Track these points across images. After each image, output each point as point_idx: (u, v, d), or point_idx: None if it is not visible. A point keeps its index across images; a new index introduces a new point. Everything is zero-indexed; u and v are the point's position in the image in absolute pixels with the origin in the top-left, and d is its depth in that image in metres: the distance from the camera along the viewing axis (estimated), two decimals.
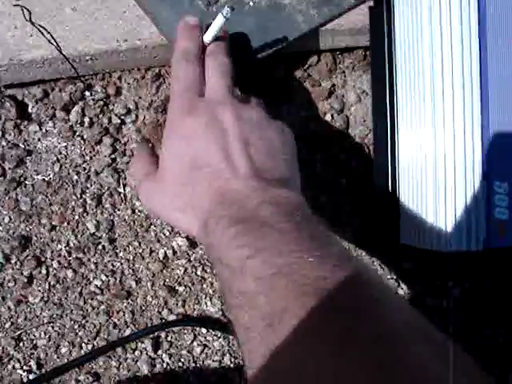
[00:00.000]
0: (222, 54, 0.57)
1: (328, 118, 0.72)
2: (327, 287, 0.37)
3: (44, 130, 0.69)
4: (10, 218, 0.66)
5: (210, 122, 0.50)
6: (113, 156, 0.68)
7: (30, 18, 0.66)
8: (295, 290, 0.38)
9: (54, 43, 0.65)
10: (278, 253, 0.40)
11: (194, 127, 0.50)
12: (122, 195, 0.67)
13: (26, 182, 0.67)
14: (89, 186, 0.67)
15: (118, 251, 0.66)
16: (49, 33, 0.66)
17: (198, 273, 0.66)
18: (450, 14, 0.61)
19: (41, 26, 0.66)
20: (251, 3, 0.67)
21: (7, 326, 0.66)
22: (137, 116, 0.69)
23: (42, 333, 0.67)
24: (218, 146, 0.48)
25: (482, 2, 0.61)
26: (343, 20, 0.69)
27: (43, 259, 0.66)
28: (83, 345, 0.67)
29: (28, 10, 0.67)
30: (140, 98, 0.70)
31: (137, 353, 0.67)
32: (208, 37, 0.56)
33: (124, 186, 0.67)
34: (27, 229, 0.66)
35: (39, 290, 0.66)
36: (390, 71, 0.67)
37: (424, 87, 0.61)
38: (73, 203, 0.67)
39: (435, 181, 0.59)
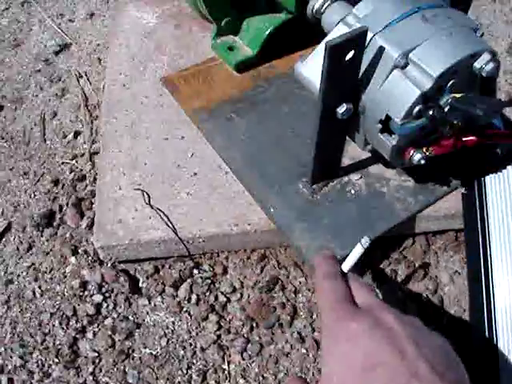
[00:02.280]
0: (359, 277, 0.59)
1: (423, 298, 0.74)
2: None
3: (153, 305, 0.73)
4: None
5: (374, 324, 0.50)
6: (218, 333, 0.71)
7: (150, 202, 0.73)
8: None
9: (171, 226, 0.71)
10: None
11: (359, 329, 0.50)
12: (226, 372, 0.69)
13: (134, 355, 0.70)
14: (194, 361, 0.70)
15: None
16: (166, 215, 0.72)
17: None
18: None
19: (159, 209, 0.72)
20: (353, 191, 0.72)
21: None
22: (241, 295, 0.73)
23: None
24: (390, 345, 0.48)
25: None
26: (437, 206, 0.73)
27: None
28: None
29: (148, 194, 0.73)
30: (245, 277, 0.74)
31: None
32: (347, 266, 0.59)
33: (228, 362, 0.69)
34: None
35: None
36: (485, 252, 0.70)
37: None
38: (179, 378, 0.69)
39: None
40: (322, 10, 0.75)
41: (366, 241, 0.55)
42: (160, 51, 0.90)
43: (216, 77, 0.84)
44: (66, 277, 0.75)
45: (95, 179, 0.81)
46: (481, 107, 0.58)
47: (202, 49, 0.89)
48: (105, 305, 0.73)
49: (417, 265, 0.76)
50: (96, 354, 0.70)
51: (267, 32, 0.82)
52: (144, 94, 0.84)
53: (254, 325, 0.71)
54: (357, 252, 0.56)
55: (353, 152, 0.74)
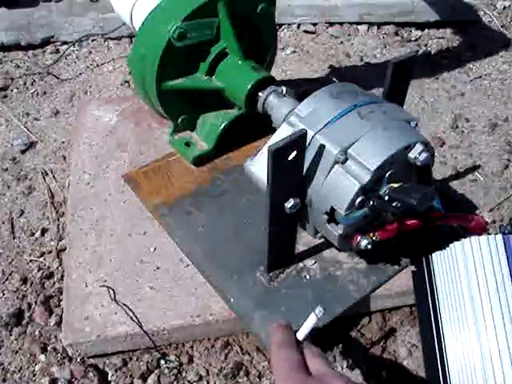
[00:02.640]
0: (314, 346, 0.63)
1: (383, 373, 0.77)
2: None
3: None
4: None
5: None
6: None
7: (115, 298, 0.76)
8: None
9: (136, 320, 0.74)
10: None
11: None
12: None
13: None
14: None
15: None
16: (131, 310, 0.74)
17: None
18: (485, 275, 0.70)
19: (124, 304, 0.75)
20: (308, 276, 0.76)
21: None
22: (208, 382, 0.75)
23: None
24: None
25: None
26: (389, 284, 0.78)
27: None
28: None
29: (113, 290, 0.76)
30: (210, 364, 0.76)
31: None
32: (301, 334, 0.62)
33: None
34: None
35: None
36: (437, 327, 0.74)
37: (470, 341, 0.67)
38: None
39: None
40: (269, 108, 0.81)
41: (319, 310, 0.59)
42: (121, 148, 0.94)
43: (175, 171, 0.89)
44: (35, 375, 0.77)
45: (63, 276, 0.84)
46: (415, 197, 0.63)
47: (162, 144, 0.94)
48: None
49: (375, 341, 0.79)
50: None
51: (221, 127, 0.88)
52: (107, 192, 0.88)
53: None
54: (311, 321, 0.60)
55: (307, 238, 0.78)
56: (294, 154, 0.62)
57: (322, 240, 0.78)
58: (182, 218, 0.82)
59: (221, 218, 0.82)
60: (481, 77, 1.29)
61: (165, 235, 0.82)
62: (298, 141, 0.61)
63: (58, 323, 0.80)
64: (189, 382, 0.75)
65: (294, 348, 0.61)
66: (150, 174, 0.89)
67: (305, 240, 0.79)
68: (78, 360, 0.77)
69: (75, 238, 0.83)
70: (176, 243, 0.81)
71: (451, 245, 0.74)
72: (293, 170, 0.64)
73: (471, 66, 1.32)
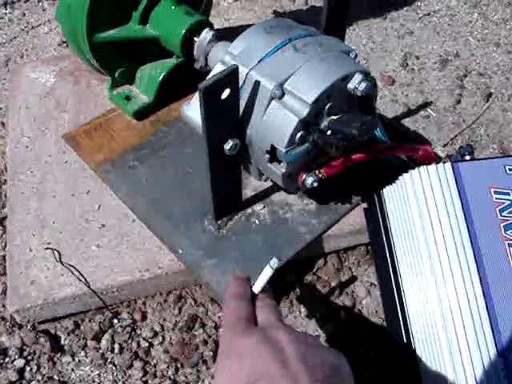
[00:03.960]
0: (269, 298, 0.61)
1: (342, 315, 0.76)
2: None
3: (77, 360, 0.73)
4: None
5: (263, 340, 0.52)
6: (144, 379, 0.71)
7: (60, 259, 0.73)
8: None
9: (83, 280, 0.71)
10: None
11: (247, 345, 0.52)
12: None
13: None
14: None
15: None
16: (78, 270, 0.72)
17: None
18: (436, 204, 0.68)
19: (70, 265, 0.73)
20: (257, 221, 0.74)
21: None
22: (163, 337, 0.73)
23: None
24: (274, 360, 0.50)
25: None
26: (342, 223, 0.76)
27: None
28: None
29: (58, 251, 0.74)
30: (165, 319, 0.74)
31: None
32: (257, 287, 0.60)
33: None
34: None
35: None
36: (392, 261, 0.73)
37: (425, 271, 0.67)
38: None
39: (450, 350, 0.62)
40: (205, 52, 0.78)
41: (274, 262, 0.57)
42: (60, 109, 0.91)
43: (117, 127, 0.86)
44: None
45: (6, 245, 0.81)
46: (355, 126, 0.61)
47: (102, 102, 0.90)
48: (28, 368, 0.72)
49: (332, 283, 0.78)
50: None
51: (160, 78, 0.85)
52: (47, 153, 0.85)
53: (179, 365, 0.72)
54: (266, 273, 0.58)
55: (255, 183, 0.76)
56: (227, 91, 0.59)
57: (271, 184, 0.76)
58: (126, 173, 0.79)
59: (165, 170, 0.79)
60: (429, 14, 1.27)
61: (109, 192, 0.79)
62: (230, 77, 0.58)
63: (4, 292, 0.77)
64: (144, 338, 0.74)
65: (245, 300, 0.59)
66: (91, 131, 0.85)
67: (253, 185, 0.77)
68: (29, 327, 0.75)
69: (16, 203, 0.80)
70: (120, 199, 0.78)
71: (400, 177, 0.73)
72: (228, 110, 0.61)
73: (419, 3, 1.29)
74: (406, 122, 1.03)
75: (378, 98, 0.74)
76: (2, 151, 0.94)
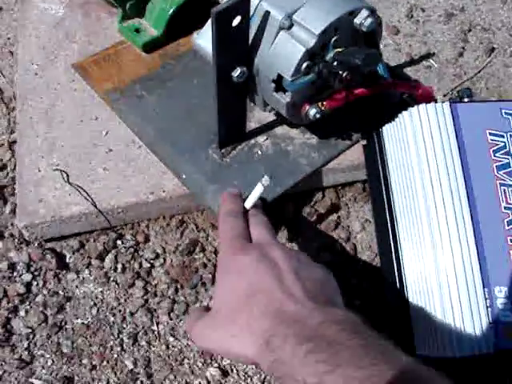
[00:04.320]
0: (261, 214, 0.64)
1: (337, 247, 0.79)
2: None
3: (81, 278, 0.76)
4: (53, 361, 0.71)
5: (260, 258, 0.55)
6: (145, 297, 0.74)
7: (68, 180, 0.76)
8: None
9: (90, 200, 0.74)
10: (355, 367, 0.42)
11: (247, 262, 0.55)
12: (156, 333, 0.73)
13: (67, 326, 0.73)
14: (125, 326, 0.73)
15: None
16: (85, 191, 0.75)
17: None
18: (433, 142, 0.71)
19: (78, 185, 0.75)
20: (259, 152, 0.76)
21: None
22: (164, 259, 0.77)
23: None
24: (270, 275, 0.53)
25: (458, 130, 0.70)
26: (341, 159, 0.79)
27: None
28: None
29: (66, 173, 0.76)
30: (167, 243, 0.77)
31: None
32: (249, 203, 0.64)
33: (157, 323, 0.73)
34: (69, 370, 0.71)
35: None
36: (388, 198, 0.75)
37: (419, 210, 0.69)
38: (111, 343, 0.72)
39: (440, 294, 0.65)
40: None
41: (265, 179, 0.60)
42: (70, 39, 0.92)
43: (125, 59, 0.87)
44: None
45: (16, 167, 0.83)
46: (359, 57, 0.63)
47: (111, 34, 0.92)
48: (34, 283, 0.76)
49: (328, 216, 0.81)
50: (29, 330, 0.73)
51: (170, 11, 0.86)
52: (57, 81, 0.87)
53: (179, 286, 0.75)
54: (258, 190, 0.61)
55: (259, 116, 0.79)
56: (238, 19, 0.61)
57: (274, 117, 0.79)
58: (134, 102, 0.82)
59: (172, 101, 0.81)
60: None
61: (117, 119, 0.81)
62: (241, 4, 0.60)
63: (13, 211, 0.80)
64: (146, 259, 0.77)
65: (239, 217, 0.62)
66: (100, 61, 0.87)
67: (257, 118, 0.79)
68: (36, 244, 0.77)
69: (26, 128, 0.82)
70: (128, 126, 0.80)
71: (400, 115, 0.75)
72: (238, 37, 0.63)
73: None
74: (408, 71, 1.04)
75: (381, 47, 0.76)
76: (11, 79, 0.96)
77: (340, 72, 0.66)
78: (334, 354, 0.44)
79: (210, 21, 0.69)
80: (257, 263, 0.55)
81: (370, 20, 0.65)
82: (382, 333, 0.49)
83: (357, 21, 0.66)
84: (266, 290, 0.53)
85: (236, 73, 0.65)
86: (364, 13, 0.66)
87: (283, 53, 0.65)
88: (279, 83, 0.67)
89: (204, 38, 0.70)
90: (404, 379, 0.42)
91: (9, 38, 1.03)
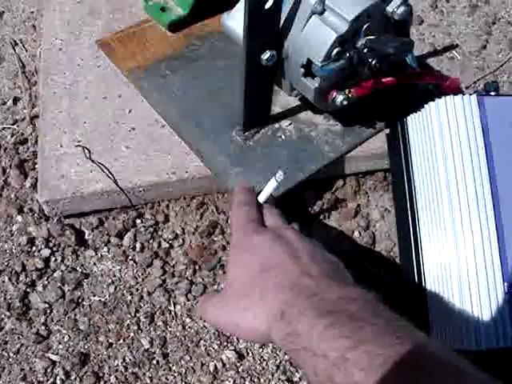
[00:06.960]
0: (274, 207, 0.64)
1: (356, 234, 0.79)
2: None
3: (99, 255, 0.76)
4: (70, 337, 0.71)
5: (276, 237, 0.55)
6: (163, 277, 0.74)
7: (90, 157, 0.76)
8: (406, 379, 0.40)
9: (112, 177, 0.74)
10: (380, 344, 0.41)
11: (261, 241, 0.55)
12: (172, 313, 0.73)
13: (84, 303, 0.73)
14: (142, 305, 0.73)
15: (171, 365, 0.70)
16: (107, 168, 0.75)
17: (247, 383, 0.70)
18: (459, 134, 0.70)
19: (99, 163, 0.75)
20: (283, 136, 0.76)
21: None
22: (183, 240, 0.77)
23: None
24: (286, 252, 0.53)
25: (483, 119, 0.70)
26: (364, 147, 0.78)
27: (101, 375, 0.70)
28: None
29: (88, 149, 0.76)
30: (186, 223, 0.77)
31: None
32: (262, 197, 0.64)
33: (174, 304, 0.73)
34: (86, 346, 0.71)
35: None
36: (410, 188, 0.75)
37: (442, 202, 0.69)
38: (128, 321, 0.72)
39: (460, 285, 0.65)
40: None
41: (279, 175, 0.60)
42: (94, 16, 0.92)
43: (150, 37, 0.87)
44: (13, 235, 0.78)
45: (37, 141, 0.83)
46: (392, 45, 0.63)
47: (136, 11, 0.91)
48: (53, 258, 0.76)
49: (349, 204, 0.81)
50: (47, 305, 0.73)
51: None
52: (80, 57, 0.86)
53: (197, 268, 0.75)
54: (271, 185, 0.61)
55: (283, 100, 0.78)
56: (271, 1, 0.60)
57: (299, 103, 0.78)
58: (158, 81, 0.81)
59: (197, 81, 0.81)
60: None
61: (140, 98, 0.81)
62: None
63: (34, 186, 0.80)
64: (165, 239, 0.77)
65: (253, 206, 0.62)
66: (124, 39, 0.87)
67: (281, 102, 0.79)
68: (55, 220, 0.78)
69: (49, 102, 0.82)
70: (151, 105, 0.80)
71: (426, 105, 0.74)
72: (269, 20, 0.63)
73: None
74: (431, 61, 1.03)
75: None
76: (33, 54, 0.96)
77: (370, 60, 0.65)
78: (356, 329, 0.43)
79: (241, 2, 0.69)
80: (271, 242, 0.55)
81: (402, 8, 0.65)
82: None
83: (389, 8, 0.65)
84: (281, 265, 0.52)
85: (265, 56, 0.65)
86: (397, 0, 0.65)
87: (314, 38, 0.64)
88: (308, 68, 0.66)
89: (234, 20, 0.70)
90: (429, 359, 0.41)
91: (32, 12, 1.03)
